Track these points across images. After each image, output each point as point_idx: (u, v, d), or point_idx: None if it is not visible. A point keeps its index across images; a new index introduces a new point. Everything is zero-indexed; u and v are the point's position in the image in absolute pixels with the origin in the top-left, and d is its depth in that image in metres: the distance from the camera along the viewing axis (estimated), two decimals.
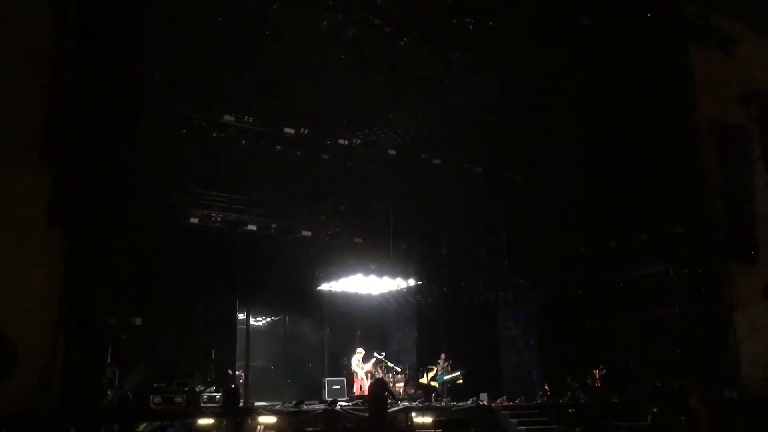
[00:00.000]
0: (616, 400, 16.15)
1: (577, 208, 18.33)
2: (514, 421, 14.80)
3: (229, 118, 15.81)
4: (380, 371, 16.90)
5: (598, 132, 16.64)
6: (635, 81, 15.68)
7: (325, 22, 13.37)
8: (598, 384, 17.03)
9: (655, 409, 14.65)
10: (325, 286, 18.31)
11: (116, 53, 11.51)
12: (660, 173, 15.99)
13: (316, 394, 16.83)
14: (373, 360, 17.18)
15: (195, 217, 16.44)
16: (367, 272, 17.74)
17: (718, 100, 16.13)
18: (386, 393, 13.83)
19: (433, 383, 17.79)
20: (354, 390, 16.75)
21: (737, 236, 15.50)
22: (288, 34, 13.77)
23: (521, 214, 19.62)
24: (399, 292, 19.17)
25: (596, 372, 17.19)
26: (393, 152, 17.90)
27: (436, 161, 18.36)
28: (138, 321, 14.24)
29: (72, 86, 11.17)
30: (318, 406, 14.45)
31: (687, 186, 15.88)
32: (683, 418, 12.89)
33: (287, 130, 16.44)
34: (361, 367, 16.88)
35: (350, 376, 17.34)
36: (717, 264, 15.78)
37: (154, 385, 12.88)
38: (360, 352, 17.18)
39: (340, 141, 17.12)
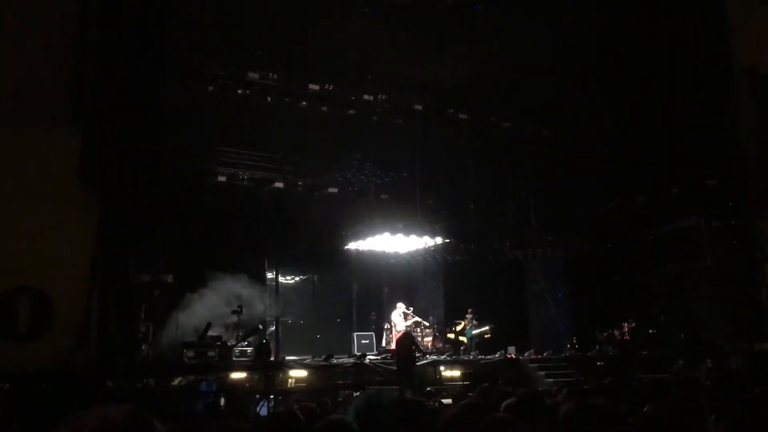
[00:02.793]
0: (645, 353, 16.14)
1: (607, 162, 18.08)
2: (542, 373, 14.90)
3: (253, 75, 15.75)
4: (410, 326, 17.05)
5: (630, 84, 16.31)
6: (669, 29, 15.26)
7: None
8: (627, 337, 17.02)
9: (680, 362, 14.62)
10: (352, 245, 18.39)
11: (142, 12, 11.50)
12: (693, 124, 15.67)
13: (346, 348, 17.07)
14: (410, 317, 17.27)
15: (223, 175, 16.55)
16: (394, 231, 17.77)
17: (755, 49, 15.65)
18: (413, 347, 13.99)
19: (461, 337, 17.93)
20: (388, 345, 16.95)
21: None
22: None
23: (550, 170, 19.42)
24: (426, 250, 19.20)
25: (625, 325, 17.16)
26: (419, 107, 17.74)
27: (462, 116, 18.17)
28: (170, 278, 14.50)
29: (99, 46, 11.19)
30: (347, 360, 14.66)
31: (720, 138, 15.56)
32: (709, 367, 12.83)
33: (312, 86, 16.36)
34: (401, 321, 17.02)
35: (379, 331, 17.53)
36: (749, 217, 15.54)
37: (187, 340, 13.13)
38: (401, 306, 17.32)
39: (365, 97, 17.00)
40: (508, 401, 4.67)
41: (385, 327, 17.65)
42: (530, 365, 15.44)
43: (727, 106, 15.46)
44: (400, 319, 17.01)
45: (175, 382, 12.23)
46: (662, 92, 15.75)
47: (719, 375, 10.73)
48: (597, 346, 17.09)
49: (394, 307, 17.52)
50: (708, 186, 16.37)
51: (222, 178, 16.56)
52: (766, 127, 15.29)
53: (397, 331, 16.74)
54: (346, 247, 18.42)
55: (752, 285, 15.09)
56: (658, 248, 17.74)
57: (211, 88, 15.53)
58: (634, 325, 17.06)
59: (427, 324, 17.89)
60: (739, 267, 15.28)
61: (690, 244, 16.96)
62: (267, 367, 12.90)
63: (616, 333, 17.12)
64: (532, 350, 17.11)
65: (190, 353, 12.62)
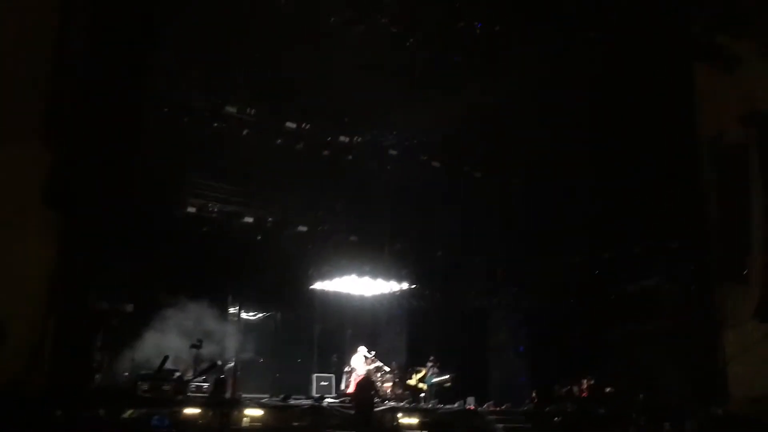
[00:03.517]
0: (602, 411, 16.18)
1: (575, 218, 18.39)
2: (500, 426, 14.81)
3: (231, 109, 15.82)
4: (377, 373, 16.87)
5: (599, 144, 16.69)
6: (638, 95, 15.72)
7: (332, 18, 13.40)
8: (585, 394, 17.07)
9: (641, 422, 14.72)
10: (318, 285, 18.30)
11: (122, 36, 11.49)
12: (659, 189, 16.05)
13: (304, 390, 16.83)
14: (370, 361, 17.11)
15: (192, 206, 16.45)
16: (360, 273, 17.74)
17: (720, 119, 16.14)
18: (373, 392, 13.86)
19: (421, 385, 17.80)
20: (346, 387, 16.74)
21: (732, 255, 15.54)
22: (295, 28, 13.78)
23: (519, 222, 19.68)
24: (392, 295, 19.18)
25: (584, 382, 17.23)
26: (394, 152, 17.93)
27: (435, 164, 18.38)
28: (130, 308, 14.25)
29: (75, 70, 11.14)
30: (305, 402, 14.45)
31: (685, 202, 15.93)
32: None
33: (289, 124, 16.47)
34: (361, 365, 16.85)
35: (339, 373, 17.33)
36: (710, 282, 15.83)
37: (142, 372, 12.85)
38: (363, 350, 17.15)
39: (341, 138, 17.15)
40: None
41: (345, 370, 17.46)
42: (489, 417, 15.35)
43: (692, 173, 15.88)
44: (360, 362, 16.86)
45: (127, 414, 11.89)
46: (630, 155, 16.15)
47: None
48: (556, 401, 17.10)
49: (355, 351, 17.36)
50: (672, 248, 16.71)
51: (191, 209, 16.45)
52: (728, 195, 15.70)
53: (357, 375, 16.56)
54: (311, 286, 18.32)
55: (711, 348, 15.29)
56: (620, 306, 17.96)
57: (186, 119, 15.55)
58: (593, 382, 17.13)
59: (387, 369, 17.74)
60: (699, 329, 15.50)
61: (651, 305, 17.23)
62: (223, 405, 12.63)
63: (575, 389, 17.18)
64: (492, 402, 17.04)
65: (145, 386, 12.33)
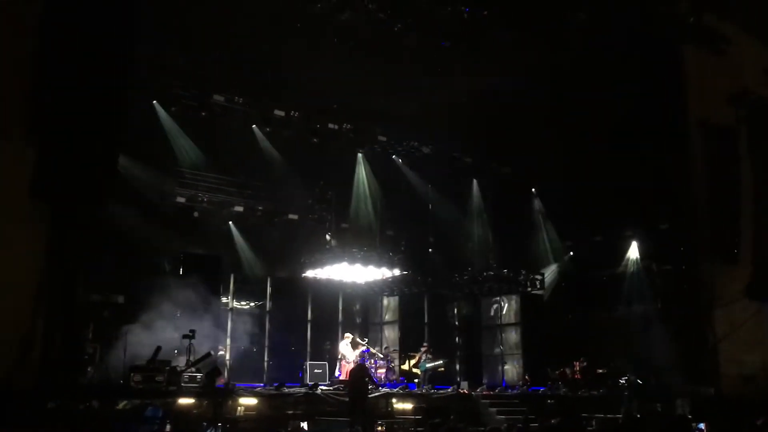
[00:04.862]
0: (594, 392, 16.29)
1: (564, 203, 18.44)
2: (493, 410, 14.88)
3: (218, 98, 15.72)
4: (363, 357, 16.90)
5: (591, 128, 16.70)
6: (627, 79, 15.72)
7: (318, 5, 13.31)
8: (578, 376, 17.17)
9: (634, 403, 14.84)
10: (310, 273, 18.26)
11: (103, 28, 11.35)
12: (648, 171, 16.09)
13: (298, 377, 16.84)
14: (361, 347, 17.15)
15: (182, 196, 16.37)
16: (352, 261, 17.72)
17: (708, 99, 16.21)
18: (367, 378, 13.87)
19: (414, 370, 17.82)
20: (339, 374, 16.75)
21: (721, 235, 15.65)
22: (282, 15, 13.69)
23: (510, 206, 19.74)
24: (384, 281, 19.16)
25: (577, 364, 17.33)
26: (383, 138, 17.88)
27: (425, 149, 18.35)
28: (120, 299, 14.19)
29: (59, 61, 11.01)
30: (299, 390, 14.46)
31: (674, 184, 15.99)
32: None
33: (277, 112, 16.38)
34: (350, 352, 16.87)
35: (332, 360, 17.34)
36: (700, 262, 15.93)
37: (135, 363, 12.81)
38: (349, 337, 17.17)
39: (330, 125, 17.07)
40: None
41: (339, 357, 17.48)
42: (482, 401, 15.42)
43: (681, 154, 15.94)
44: (348, 349, 16.85)
45: (120, 405, 11.86)
46: (620, 138, 16.17)
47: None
48: (549, 384, 17.20)
49: (343, 338, 17.35)
50: (661, 230, 16.80)
51: (181, 199, 16.37)
52: (717, 176, 15.79)
53: (347, 362, 16.57)
54: (303, 274, 18.27)
55: (699, 329, 15.42)
56: (610, 289, 18.06)
57: (174, 108, 15.45)
58: (585, 364, 17.23)
59: (381, 356, 17.77)
60: (688, 311, 15.61)
61: (642, 287, 17.35)
62: (216, 394, 12.62)
63: (568, 371, 17.27)
64: (485, 386, 17.12)
65: (138, 377, 12.28)
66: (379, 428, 13.23)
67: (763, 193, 16.06)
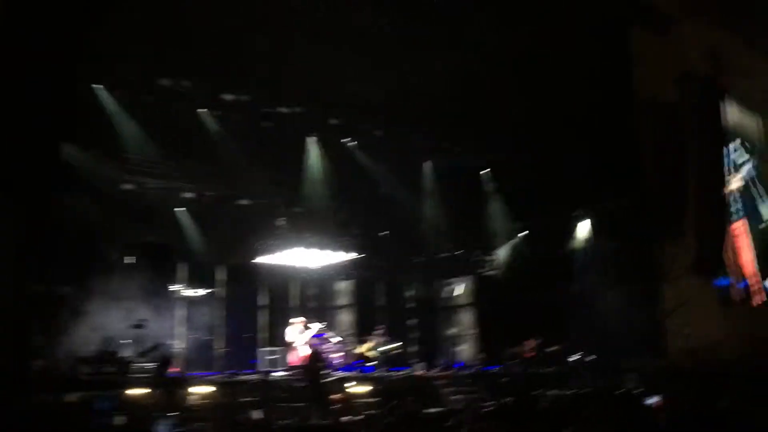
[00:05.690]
0: (547, 370, 16.57)
1: (515, 183, 18.60)
2: (450, 389, 15.03)
3: (165, 81, 15.32)
4: (317, 342, 16.84)
5: (538, 108, 16.81)
6: (575, 58, 15.84)
7: None
8: (531, 354, 17.43)
9: (587, 378, 15.13)
10: (263, 259, 18.08)
11: (63, 17, 10.98)
12: (598, 150, 16.31)
13: (252, 365, 16.71)
14: (311, 330, 17.08)
15: (129, 183, 15.98)
16: (305, 245, 17.59)
17: (654, 79, 16.46)
18: (322, 363, 13.84)
19: (370, 353, 17.87)
20: (290, 360, 16.66)
21: (668, 212, 15.98)
22: None
23: (462, 188, 19.82)
24: (338, 265, 19.11)
25: (530, 343, 17.58)
26: (334, 122, 17.72)
27: (377, 132, 18.25)
28: (67, 289, 13.84)
29: (13, 49, 10.58)
30: (253, 377, 14.35)
31: (623, 163, 16.24)
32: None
33: (226, 95, 16.08)
34: (298, 337, 16.78)
35: (287, 347, 17.24)
36: (648, 239, 16.27)
37: (83, 355, 12.53)
38: (295, 321, 17.05)
39: (280, 109, 16.83)
40: None
41: (289, 343, 17.36)
42: (438, 382, 15.55)
43: (629, 134, 16.18)
44: (296, 334, 16.76)
45: (69, 398, 11.60)
46: (570, 117, 16.32)
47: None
48: (503, 363, 17.43)
49: (289, 324, 17.23)
50: (610, 208, 17.10)
51: (128, 186, 15.98)
52: (665, 154, 16.09)
53: (295, 347, 16.47)
54: (256, 260, 18.08)
55: (648, 305, 15.77)
56: (562, 268, 18.34)
57: (118, 92, 15.07)
58: (538, 342, 17.50)
59: (336, 340, 17.74)
60: (637, 287, 15.95)
61: (591, 263, 17.66)
62: (168, 384, 12.43)
63: (521, 350, 17.52)
64: (441, 366, 17.26)
65: (86, 368, 12.04)
66: (336, 412, 13.22)
67: (706, 171, 16.44)
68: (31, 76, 10.62)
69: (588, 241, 18.60)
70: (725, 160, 17.07)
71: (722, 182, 16.83)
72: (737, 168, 16.42)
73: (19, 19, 10.66)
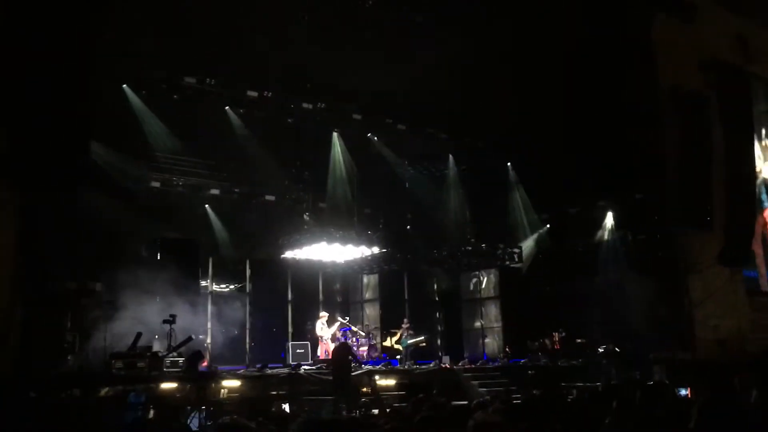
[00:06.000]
0: (574, 362, 16.54)
1: (540, 175, 18.52)
2: (475, 383, 15.07)
3: (190, 80, 15.50)
4: (344, 336, 16.99)
5: (562, 100, 16.72)
6: (597, 48, 15.73)
7: None
8: (557, 347, 17.41)
9: (613, 371, 15.10)
10: (288, 254, 18.24)
11: (73, 12, 11.09)
12: (621, 141, 16.18)
13: (280, 358, 16.88)
14: (338, 324, 17.26)
15: (156, 181, 16.20)
16: (331, 240, 17.72)
17: (679, 68, 16.30)
18: (350, 356, 13.96)
19: (396, 347, 17.98)
20: (318, 354, 16.83)
21: (694, 202, 15.83)
22: None
23: (486, 181, 19.82)
24: (363, 259, 19.21)
25: (556, 335, 17.56)
26: (358, 117, 17.80)
27: (400, 126, 18.30)
28: (98, 286, 14.04)
29: (27, 44, 10.74)
30: (282, 370, 14.50)
31: (647, 153, 16.11)
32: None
33: (250, 93, 16.21)
34: (326, 331, 16.95)
35: (314, 341, 17.41)
36: (674, 230, 16.13)
37: (116, 350, 12.73)
38: (324, 316, 17.22)
39: (304, 105, 16.94)
40: None
41: (317, 337, 17.55)
42: (464, 375, 15.60)
43: (653, 123, 16.03)
44: (324, 328, 16.92)
45: (102, 393, 11.82)
46: (593, 109, 16.22)
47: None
48: (529, 355, 17.43)
49: (318, 318, 17.38)
50: (634, 199, 16.99)
51: (155, 184, 16.20)
52: (689, 143, 15.94)
53: (324, 341, 16.65)
54: (282, 255, 18.25)
55: (675, 296, 15.65)
56: (587, 260, 18.27)
57: (144, 92, 15.24)
58: (564, 334, 17.47)
59: (362, 333, 17.87)
60: (663, 278, 15.83)
61: (617, 255, 17.57)
62: (198, 378, 12.61)
63: (547, 342, 17.50)
64: (466, 359, 17.32)
65: (119, 364, 12.22)
66: (363, 405, 13.35)
67: (734, 159, 16.26)
68: (57, 75, 10.76)
69: (613, 232, 18.49)
70: (753, 149, 16.91)
71: (751, 171, 16.67)
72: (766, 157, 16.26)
73: (42, 16, 10.79)
